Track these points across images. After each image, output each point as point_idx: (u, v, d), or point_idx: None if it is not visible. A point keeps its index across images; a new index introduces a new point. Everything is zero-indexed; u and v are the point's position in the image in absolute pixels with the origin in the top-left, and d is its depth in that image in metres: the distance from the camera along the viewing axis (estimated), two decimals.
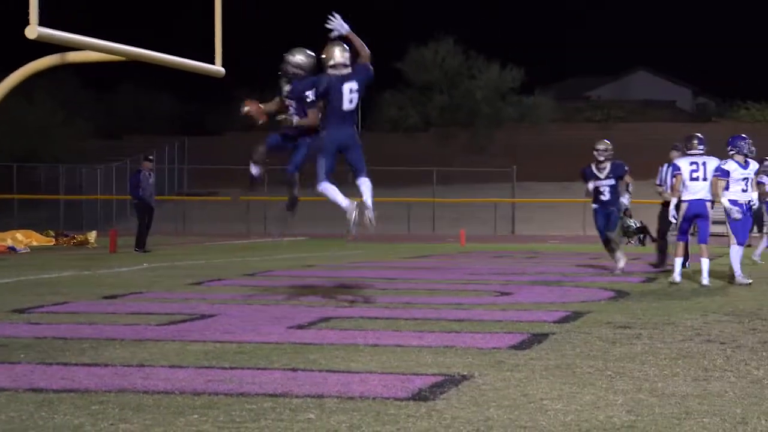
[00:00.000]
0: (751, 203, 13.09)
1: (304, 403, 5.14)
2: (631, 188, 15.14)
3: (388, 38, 46.70)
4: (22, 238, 23.06)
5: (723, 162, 13.02)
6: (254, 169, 10.43)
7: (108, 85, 61.55)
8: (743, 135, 13.50)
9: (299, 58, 10.08)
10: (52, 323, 8.43)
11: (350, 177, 9.75)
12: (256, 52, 63.45)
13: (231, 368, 6.14)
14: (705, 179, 12.96)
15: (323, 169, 9.57)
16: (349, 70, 9.70)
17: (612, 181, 14.77)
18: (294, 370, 6.09)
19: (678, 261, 13.25)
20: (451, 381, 5.74)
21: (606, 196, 14.78)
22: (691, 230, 13.70)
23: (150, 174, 21.62)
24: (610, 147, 14.86)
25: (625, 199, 15.06)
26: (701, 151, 13.19)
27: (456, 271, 15.93)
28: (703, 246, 13.04)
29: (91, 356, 6.64)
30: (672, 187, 13.36)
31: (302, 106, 9.93)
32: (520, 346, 7.12)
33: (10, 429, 4.60)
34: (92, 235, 24.59)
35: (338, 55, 9.71)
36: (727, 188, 12.92)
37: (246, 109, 10.19)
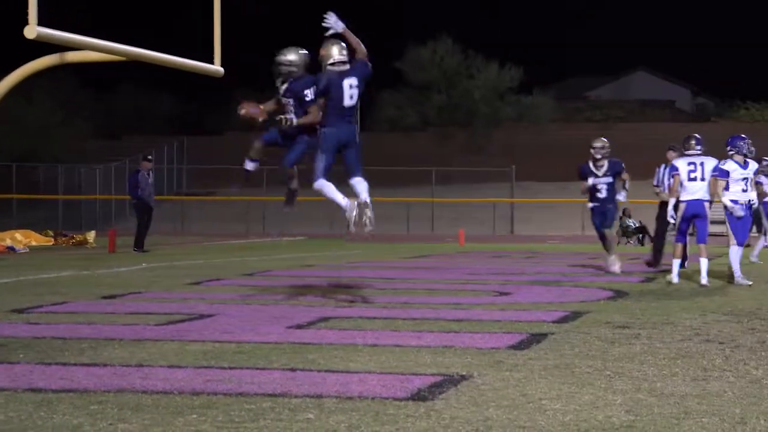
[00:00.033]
0: (751, 203, 13.10)
1: (303, 403, 5.14)
2: (627, 185, 15.16)
3: (387, 38, 46.65)
4: (21, 238, 23.07)
5: (722, 162, 13.02)
6: (249, 165, 10.45)
7: (107, 85, 61.61)
8: (742, 135, 13.50)
9: (290, 56, 10.08)
10: (51, 323, 8.43)
11: (345, 176, 9.73)
12: (256, 52, 63.34)
13: (230, 368, 6.14)
14: (703, 179, 12.96)
15: (322, 166, 9.55)
16: (347, 66, 9.71)
17: (609, 179, 14.80)
18: (293, 370, 6.09)
19: (676, 262, 13.24)
20: (450, 381, 5.73)
21: (603, 194, 14.82)
22: (690, 230, 13.70)
23: (149, 174, 21.61)
24: (607, 145, 14.90)
25: (621, 196, 15.08)
26: (699, 152, 13.18)
27: (455, 271, 15.93)
28: (702, 246, 13.04)
29: (90, 356, 6.64)
30: (670, 188, 13.36)
31: (301, 105, 9.93)
32: (519, 346, 7.12)
33: (9, 429, 4.60)
34: (91, 235, 24.58)
35: (336, 52, 9.72)
36: (727, 188, 12.92)
37: (243, 111, 10.19)
